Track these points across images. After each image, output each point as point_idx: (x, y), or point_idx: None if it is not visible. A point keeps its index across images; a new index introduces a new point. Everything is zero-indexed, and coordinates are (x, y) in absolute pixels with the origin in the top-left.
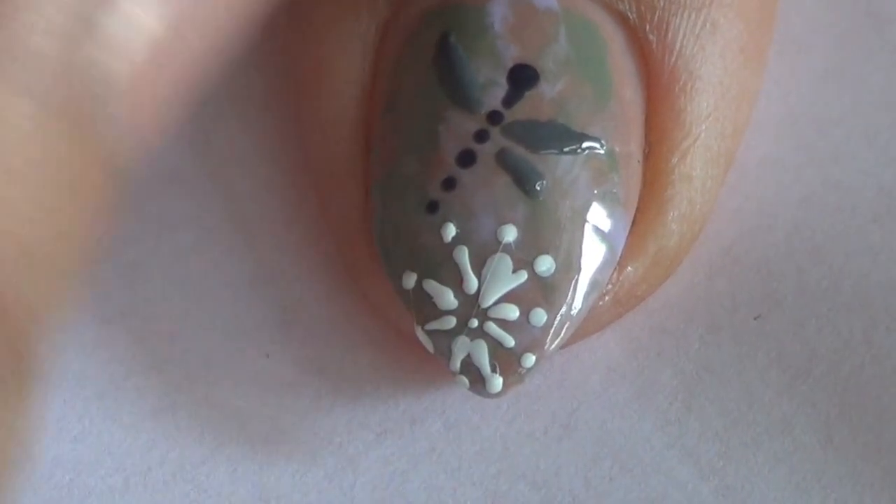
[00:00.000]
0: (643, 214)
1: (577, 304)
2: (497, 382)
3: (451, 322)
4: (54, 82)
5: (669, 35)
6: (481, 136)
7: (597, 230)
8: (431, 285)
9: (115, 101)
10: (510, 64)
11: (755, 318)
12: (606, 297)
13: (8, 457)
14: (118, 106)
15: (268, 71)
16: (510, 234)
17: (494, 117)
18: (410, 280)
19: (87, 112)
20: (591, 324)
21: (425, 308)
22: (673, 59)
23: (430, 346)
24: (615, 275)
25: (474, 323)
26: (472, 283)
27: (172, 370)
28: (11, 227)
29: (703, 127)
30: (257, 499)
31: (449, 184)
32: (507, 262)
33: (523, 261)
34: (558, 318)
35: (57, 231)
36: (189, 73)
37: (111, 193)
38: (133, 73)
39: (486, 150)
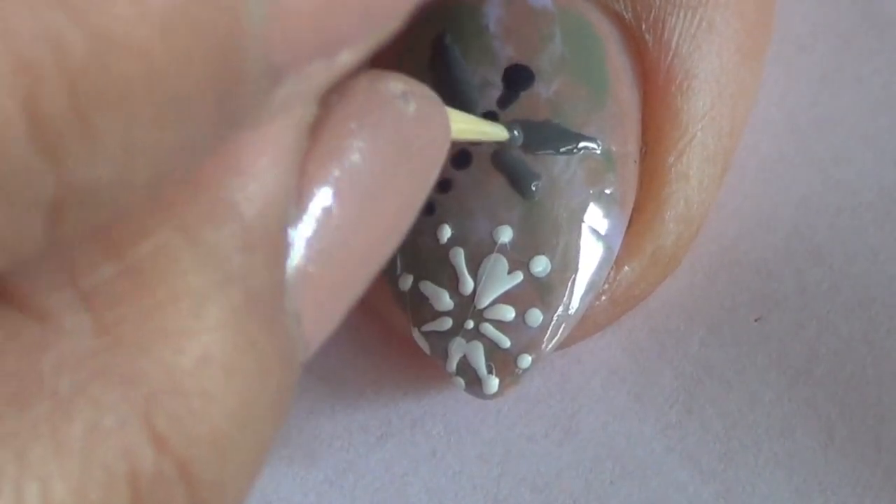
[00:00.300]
0: (640, 214)
1: (574, 304)
2: (493, 383)
3: (448, 323)
4: None
5: (665, 34)
6: None
7: (593, 230)
8: (427, 287)
9: None
10: (505, 64)
11: (755, 320)
12: (603, 298)
13: None
14: None
15: None
16: (506, 234)
17: (490, 118)
18: (407, 282)
19: None
20: (588, 324)
21: (421, 309)
22: (669, 58)
23: (426, 348)
24: (612, 275)
25: (470, 324)
26: (468, 284)
27: None
28: None
29: (700, 126)
30: (258, 501)
31: (444, 185)
32: (502, 262)
33: (519, 261)
34: (555, 318)
35: None
36: None
37: None
38: None
39: (481, 151)
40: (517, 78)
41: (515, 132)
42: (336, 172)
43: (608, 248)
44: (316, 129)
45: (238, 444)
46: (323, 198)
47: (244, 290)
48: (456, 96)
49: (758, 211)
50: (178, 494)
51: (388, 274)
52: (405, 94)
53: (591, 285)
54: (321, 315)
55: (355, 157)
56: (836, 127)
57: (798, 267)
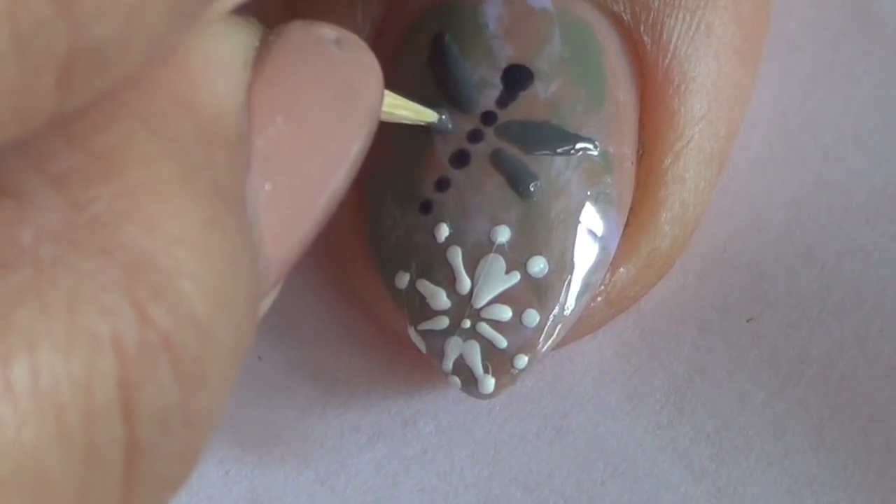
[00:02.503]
0: (636, 215)
1: (570, 304)
2: (489, 383)
3: (444, 322)
4: None
5: (664, 36)
6: (475, 137)
7: (590, 231)
8: (424, 285)
9: None
10: (504, 64)
11: (747, 321)
12: (599, 298)
13: None
14: None
15: None
16: (503, 234)
17: (488, 118)
18: (403, 280)
19: None
20: (583, 325)
21: (418, 308)
22: (667, 60)
23: (422, 347)
24: (608, 276)
25: (467, 323)
26: (465, 283)
27: None
28: None
29: (697, 129)
30: (249, 501)
31: (442, 184)
32: (500, 262)
33: (516, 261)
34: (551, 318)
35: None
36: None
37: None
38: None
39: (479, 151)
40: (516, 78)
41: (443, 116)
42: (281, 100)
43: (604, 250)
44: (259, 62)
45: (217, 325)
46: (272, 120)
47: (209, 178)
48: (455, 96)
49: (749, 211)
50: (163, 363)
51: (385, 272)
52: (337, 40)
53: (588, 286)
54: (279, 236)
55: (297, 87)
56: (827, 127)
57: (790, 267)
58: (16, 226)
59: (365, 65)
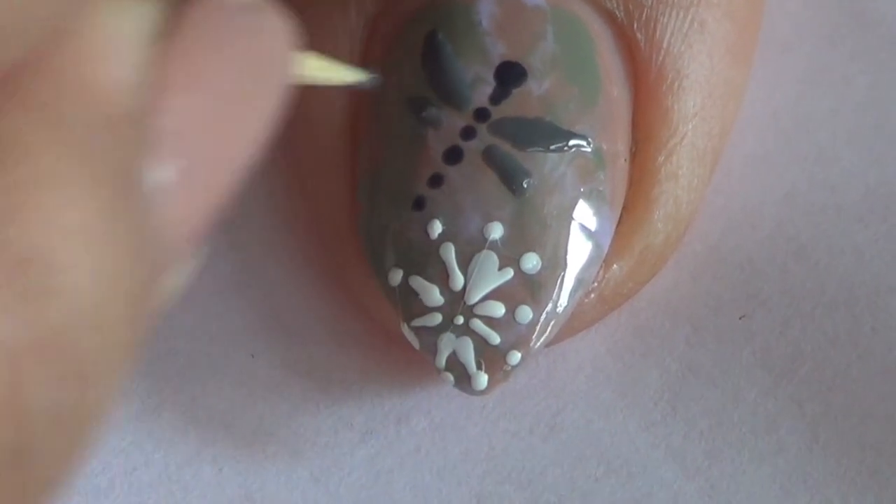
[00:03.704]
0: (629, 213)
1: (563, 301)
2: (482, 380)
3: (437, 319)
4: None
5: (657, 34)
6: (468, 134)
7: (583, 228)
8: (417, 282)
9: None
10: (498, 61)
11: (740, 318)
12: (592, 295)
13: None
14: None
15: None
16: (496, 231)
17: (482, 114)
18: (396, 277)
19: None
20: (576, 322)
21: (411, 305)
22: (660, 57)
23: (415, 343)
24: (601, 273)
25: (460, 320)
26: (459, 279)
27: (157, 371)
28: None
29: (690, 126)
30: (243, 499)
31: (436, 180)
32: (493, 259)
33: (509, 258)
34: (544, 315)
35: None
36: None
37: None
38: None
39: (473, 148)
40: (509, 75)
41: (374, 76)
42: (186, 74)
43: (598, 247)
44: (162, 37)
45: (110, 317)
46: (177, 96)
47: (103, 165)
48: (448, 93)
49: (743, 209)
50: (53, 362)
51: (378, 268)
52: (240, 6)
53: (580, 283)
54: (185, 214)
55: (202, 61)
56: (820, 126)
57: (783, 265)
58: None
59: (272, 30)
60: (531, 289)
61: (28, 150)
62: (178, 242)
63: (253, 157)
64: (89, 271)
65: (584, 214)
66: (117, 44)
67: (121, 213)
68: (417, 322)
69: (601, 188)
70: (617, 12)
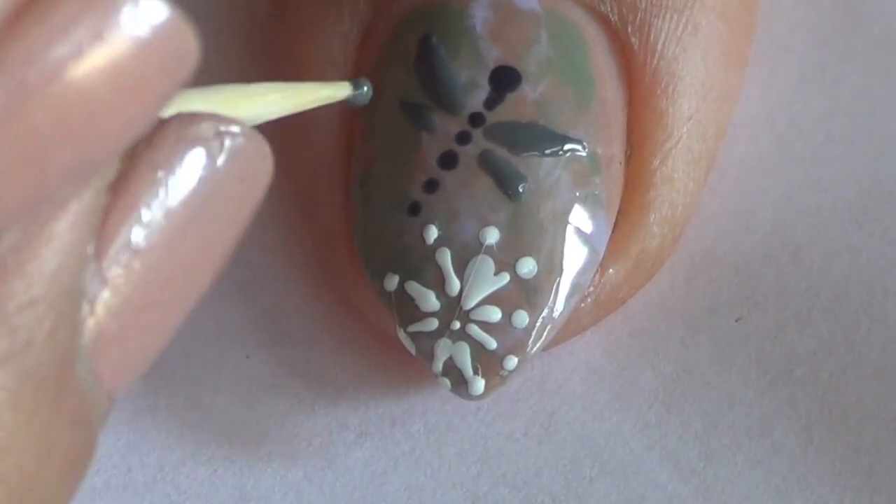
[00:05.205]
0: (625, 216)
1: (559, 306)
2: (479, 385)
3: (434, 324)
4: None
5: (651, 37)
6: (463, 138)
7: (579, 232)
8: (414, 287)
9: None
10: (492, 65)
11: (736, 320)
12: (588, 299)
13: None
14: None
15: (248, 71)
16: (492, 236)
17: (476, 119)
18: (392, 282)
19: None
20: (572, 326)
21: (407, 310)
22: (655, 60)
23: (412, 348)
24: (597, 277)
25: (456, 325)
26: (455, 285)
27: (153, 372)
28: None
29: (685, 129)
30: (237, 499)
31: (431, 185)
32: (489, 264)
33: (505, 263)
34: (540, 320)
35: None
36: None
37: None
38: None
39: (468, 152)
40: (504, 79)
41: (365, 88)
42: (136, 228)
43: (593, 251)
44: (119, 183)
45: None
46: (122, 255)
47: (25, 368)
48: (442, 97)
49: (737, 211)
50: None
51: (373, 273)
52: (219, 134)
53: (576, 287)
54: (124, 367)
55: (157, 211)
56: (815, 126)
57: (778, 267)
58: None
59: (253, 160)
60: (527, 293)
61: None
62: (112, 393)
63: (194, 305)
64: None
65: (579, 218)
66: (59, 225)
67: (43, 413)
68: (414, 327)
69: (597, 192)
70: (611, 16)
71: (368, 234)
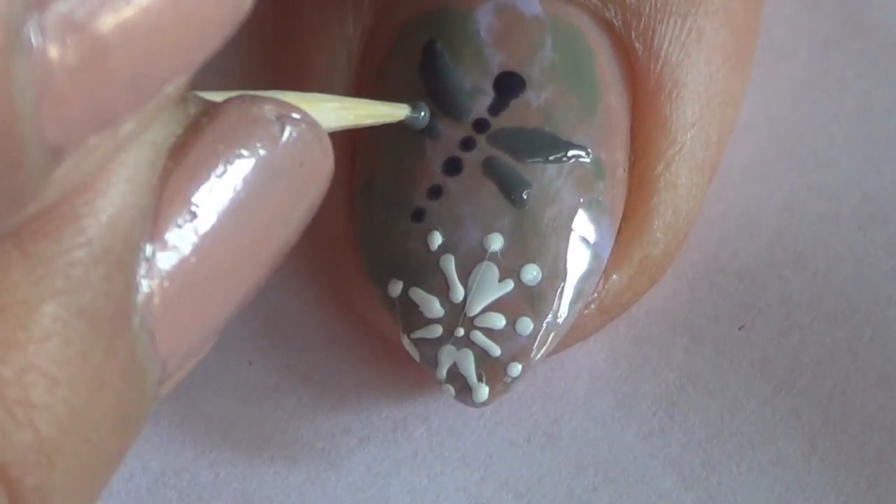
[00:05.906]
0: (628, 223)
1: (563, 312)
2: (483, 391)
3: (438, 330)
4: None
5: (655, 42)
6: (467, 144)
7: (583, 239)
8: (418, 294)
9: None
10: (497, 71)
11: (739, 328)
12: (592, 306)
13: None
14: None
15: (252, 76)
16: (496, 242)
17: (481, 125)
18: (396, 288)
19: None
20: (576, 332)
21: (411, 316)
22: (659, 66)
23: (416, 355)
24: (601, 283)
25: (461, 332)
26: (459, 291)
27: None
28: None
29: (689, 135)
30: (240, 502)
31: (435, 192)
32: (493, 270)
33: (509, 269)
34: (544, 326)
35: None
36: None
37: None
38: None
39: (472, 159)
40: (508, 85)
41: (423, 113)
42: (197, 193)
43: (597, 257)
44: (180, 150)
45: (67, 451)
46: (181, 217)
47: (79, 304)
48: (446, 103)
49: (740, 218)
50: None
51: (377, 280)
52: (280, 118)
53: (580, 294)
54: (177, 333)
55: (218, 179)
56: (818, 132)
57: (781, 274)
58: None
59: (312, 148)
60: (531, 300)
61: (3, 286)
62: (167, 360)
63: (262, 281)
64: (44, 407)
65: (583, 225)
66: (124, 171)
67: (90, 350)
68: (418, 334)
69: (600, 198)
70: (615, 22)
71: (372, 240)
